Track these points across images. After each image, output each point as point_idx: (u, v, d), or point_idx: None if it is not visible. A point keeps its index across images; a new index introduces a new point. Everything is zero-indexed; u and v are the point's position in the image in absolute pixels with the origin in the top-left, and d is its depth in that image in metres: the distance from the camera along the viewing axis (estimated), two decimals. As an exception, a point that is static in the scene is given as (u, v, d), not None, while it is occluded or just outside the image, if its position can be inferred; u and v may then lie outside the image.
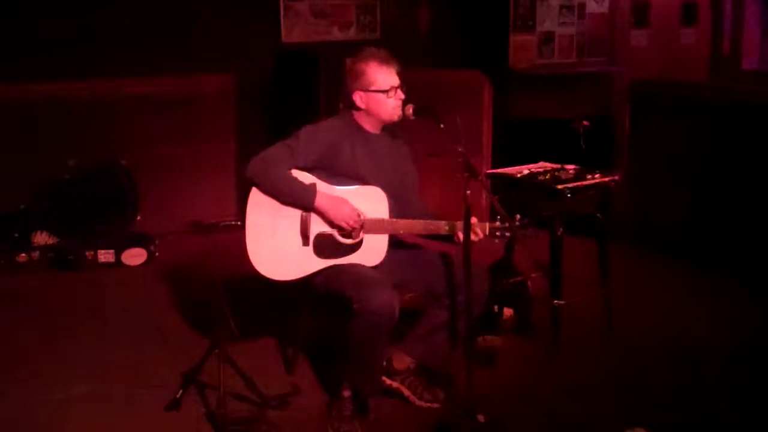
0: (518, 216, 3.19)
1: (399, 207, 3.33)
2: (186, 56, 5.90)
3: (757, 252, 4.76)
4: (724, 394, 3.44)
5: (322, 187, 3.22)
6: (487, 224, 3.21)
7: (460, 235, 3.10)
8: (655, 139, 5.45)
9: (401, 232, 3.27)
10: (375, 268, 3.23)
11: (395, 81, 3.25)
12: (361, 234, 3.23)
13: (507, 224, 3.18)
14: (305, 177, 3.21)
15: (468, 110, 5.93)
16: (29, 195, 5.33)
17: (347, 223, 3.19)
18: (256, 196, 3.22)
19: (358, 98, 3.26)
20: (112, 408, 3.33)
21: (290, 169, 3.20)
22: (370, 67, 3.24)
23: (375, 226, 3.23)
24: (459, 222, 3.11)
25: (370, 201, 3.24)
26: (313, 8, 6.37)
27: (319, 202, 3.17)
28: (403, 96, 3.26)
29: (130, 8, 5.78)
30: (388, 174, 3.33)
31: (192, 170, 5.97)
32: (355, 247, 3.24)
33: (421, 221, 3.26)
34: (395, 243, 3.34)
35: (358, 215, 3.21)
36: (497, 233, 3.21)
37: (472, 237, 3.03)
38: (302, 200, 3.19)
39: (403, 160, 3.46)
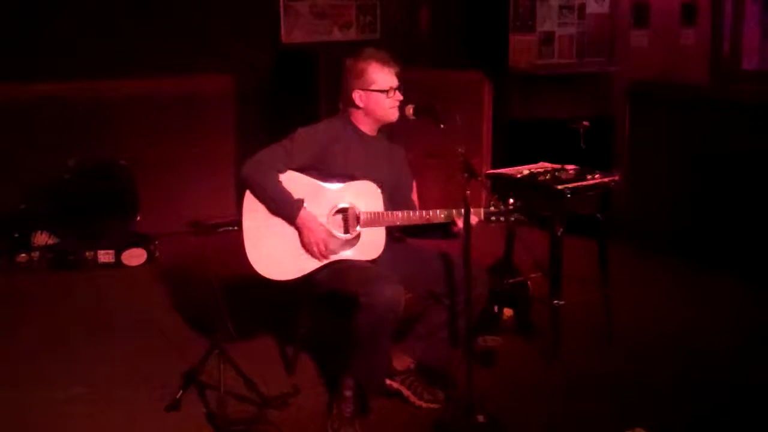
0: (511, 201, 3.20)
1: (393, 208, 3.32)
2: (186, 56, 5.91)
3: (757, 252, 4.76)
4: (724, 394, 3.44)
5: (315, 186, 3.23)
6: (482, 209, 3.22)
7: (459, 222, 3.12)
8: (655, 139, 5.45)
9: (398, 223, 3.27)
10: (373, 262, 3.23)
11: (394, 82, 3.28)
12: (357, 228, 3.24)
13: (501, 208, 3.20)
14: (299, 180, 3.22)
15: (468, 110, 5.93)
16: (29, 195, 5.33)
17: (313, 251, 3.19)
18: (252, 197, 3.22)
19: (358, 97, 3.28)
20: (112, 408, 3.33)
21: (285, 170, 3.21)
22: (371, 66, 3.26)
23: (372, 220, 3.24)
24: (455, 209, 3.14)
25: (364, 195, 3.25)
26: (313, 8, 6.37)
27: (300, 221, 3.18)
28: (401, 97, 3.28)
29: (131, 8, 5.79)
30: (383, 175, 3.33)
31: (192, 170, 5.97)
32: (352, 242, 3.25)
33: (418, 211, 3.27)
34: (395, 243, 3.34)
35: (327, 247, 3.20)
36: (492, 218, 3.23)
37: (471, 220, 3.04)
38: (284, 215, 3.20)
39: (399, 162, 3.47)
